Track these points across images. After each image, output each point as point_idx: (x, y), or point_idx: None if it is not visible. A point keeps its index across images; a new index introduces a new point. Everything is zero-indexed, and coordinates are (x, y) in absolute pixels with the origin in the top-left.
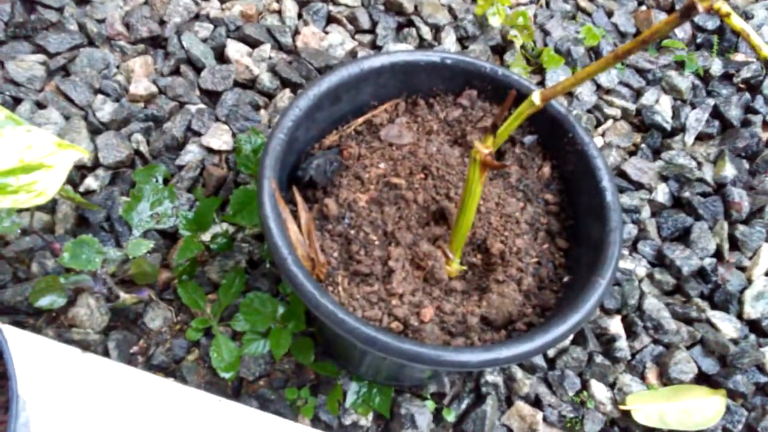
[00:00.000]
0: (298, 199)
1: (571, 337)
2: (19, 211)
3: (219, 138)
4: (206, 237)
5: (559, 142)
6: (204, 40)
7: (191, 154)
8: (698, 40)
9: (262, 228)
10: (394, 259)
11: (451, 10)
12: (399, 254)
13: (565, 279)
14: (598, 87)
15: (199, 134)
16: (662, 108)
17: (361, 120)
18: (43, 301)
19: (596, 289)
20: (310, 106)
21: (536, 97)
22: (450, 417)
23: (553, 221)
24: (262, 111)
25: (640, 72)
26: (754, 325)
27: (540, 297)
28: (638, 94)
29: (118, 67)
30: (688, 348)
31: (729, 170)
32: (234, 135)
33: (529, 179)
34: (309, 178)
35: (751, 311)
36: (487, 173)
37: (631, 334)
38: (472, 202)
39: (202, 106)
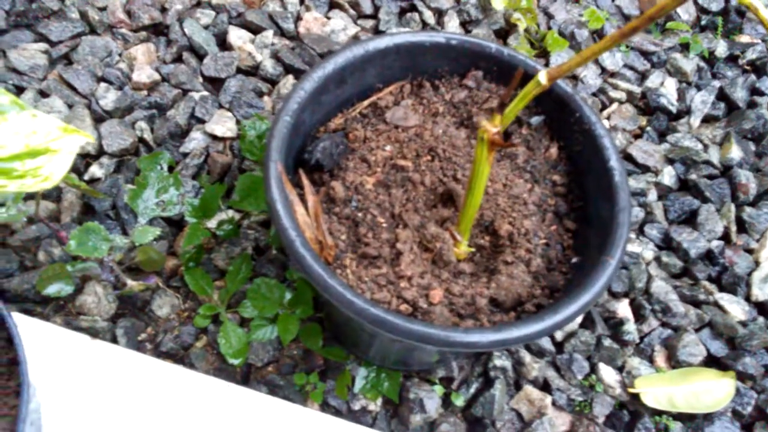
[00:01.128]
0: (305, 182)
1: (579, 320)
2: (25, 199)
3: (223, 125)
4: (212, 224)
5: (565, 122)
6: (206, 27)
7: (195, 141)
8: (702, 22)
9: (270, 211)
10: (402, 241)
11: None
12: (407, 236)
13: (574, 260)
14: (603, 70)
15: (202, 121)
16: (667, 90)
17: (366, 102)
18: (51, 289)
19: (606, 269)
20: (315, 88)
21: (543, 77)
22: (458, 401)
23: (561, 202)
24: (266, 97)
25: (645, 54)
26: (762, 308)
27: (549, 278)
28: (643, 76)
29: (120, 55)
30: (697, 331)
31: (735, 152)
32: (238, 122)
33: (537, 160)
34: (315, 161)
35: (759, 293)
36: (495, 153)
37: (639, 317)
38: (480, 183)
39: (205, 93)
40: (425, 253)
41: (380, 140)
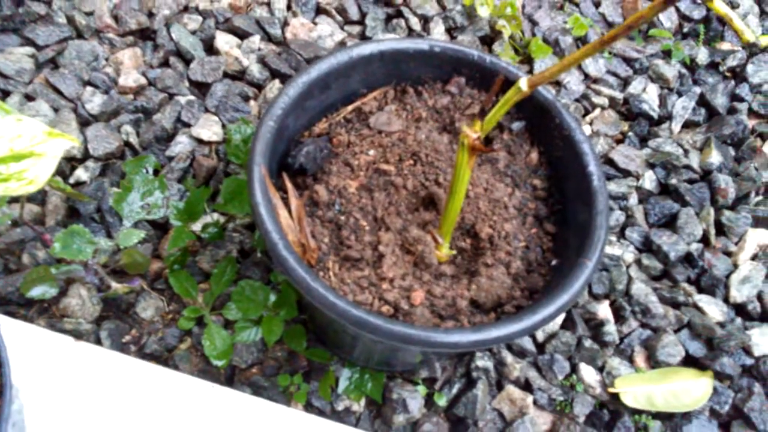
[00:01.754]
0: (289, 185)
1: (560, 321)
2: (10, 202)
3: (209, 129)
4: (197, 227)
5: (546, 128)
6: (193, 32)
7: (181, 145)
8: (684, 30)
9: (253, 214)
10: (384, 244)
11: (439, 0)
12: (389, 239)
13: (553, 263)
14: (586, 76)
15: (188, 125)
16: (649, 96)
17: (350, 108)
18: (35, 292)
19: (584, 271)
20: (299, 93)
21: (523, 83)
22: (441, 401)
23: (541, 206)
24: (252, 102)
25: (628, 61)
26: (740, 309)
27: (528, 280)
28: (625, 83)
29: (107, 59)
30: (676, 331)
31: (715, 157)
32: (224, 126)
33: (517, 165)
34: (299, 165)
35: (737, 295)
36: (476, 158)
37: (619, 318)
38: (461, 187)
39: (191, 97)
40: (407, 255)
41: (364, 145)
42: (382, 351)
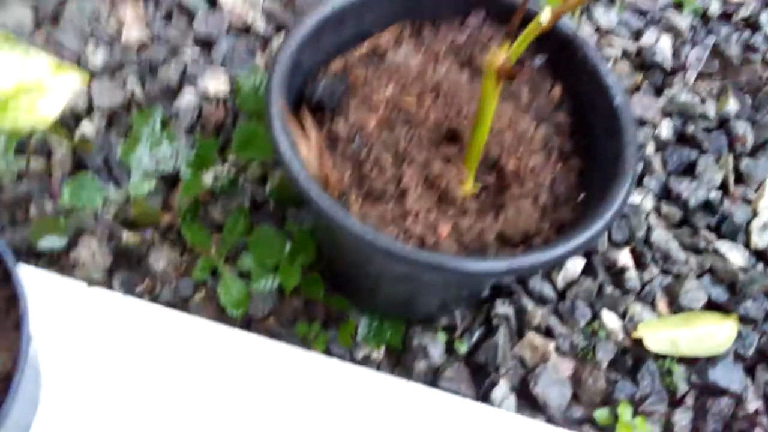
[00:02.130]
0: (307, 118)
1: (580, 268)
2: (16, 152)
3: (216, 81)
4: (208, 178)
5: (569, 62)
6: None
7: (188, 98)
8: None
9: (273, 150)
10: (408, 178)
11: None
12: (412, 173)
13: (580, 197)
14: (598, 29)
15: (194, 79)
16: (662, 47)
17: (366, 44)
18: (44, 243)
19: (613, 203)
20: (314, 29)
21: (546, 15)
22: (462, 348)
23: (566, 141)
24: (258, 56)
25: (640, 13)
26: (761, 255)
27: (556, 214)
28: (638, 34)
29: (109, 14)
30: (698, 277)
31: (732, 105)
32: (230, 79)
33: (540, 100)
34: (317, 99)
35: (758, 241)
36: (501, 87)
37: (640, 265)
38: (487, 117)
39: (196, 51)
40: (431, 190)
41: (382, 81)
42: (403, 295)
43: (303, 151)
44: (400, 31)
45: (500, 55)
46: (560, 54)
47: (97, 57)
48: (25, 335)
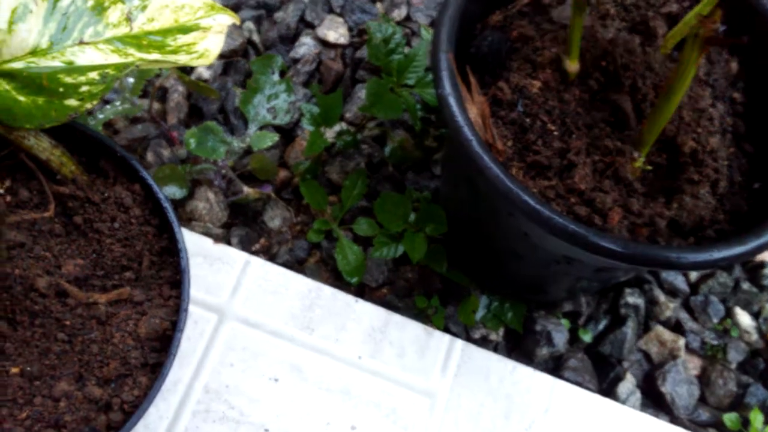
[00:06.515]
0: (472, 80)
1: None
2: (141, 96)
3: (335, 30)
4: (330, 135)
5: (753, 33)
6: None
7: (306, 46)
8: None
9: (442, 109)
10: (575, 152)
11: None
12: (580, 147)
13: (756, 185)
14: None
15: (312, 26)
16: None
17: None
18: (166, 191)
19: None
20: None
21: None
22: (587, 337)
23: (740, 123)
24: (378, 3)
25: None
26: None
27: (732, 202)
28: None
29: None
30: None
31: None
32: (350, 29)
33: (717, 74)
34: (482, 56)
35: None
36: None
37: None
38: (681, 90)
39: None
40: (599, 166)
41: (545, 40)
42: (535, 278)
43: (472, 113)
44: None
45: (712, 20)
46: (743, 24)
47: None
48: (186, 293)
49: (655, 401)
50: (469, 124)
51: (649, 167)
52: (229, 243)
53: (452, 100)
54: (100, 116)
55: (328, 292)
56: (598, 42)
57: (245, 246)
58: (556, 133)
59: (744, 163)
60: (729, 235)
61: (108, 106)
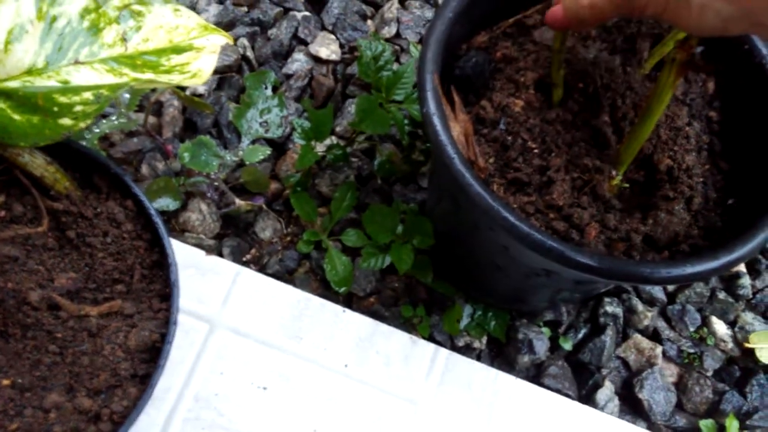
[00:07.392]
0: (456, 98)
1: None
2: (137, 110)
3: (327, 47)
4: (320, 148)
5: (729, 55)
6: None
7: (298, 63)
8: None
9: (427, 127)
10: (554, 169)
11: None
12: (559, 164)
13: (729, 202)
14: None
15: (305, 43)
16: None
17: (512, 20)
18: (159, 203)
19: None
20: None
21: None
22: (567, 345)
23: (716, 141)
24: (369, 21)
25: None
26: None
27: (707, 218)
28: None
29: None
30: None
31: None
32: (342, 45)
33: (694, 94)
34: (466, 76)
35: None
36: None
37: (753, 272)
38: (658, 111)
39: (307, 13)
40: (577, 183)
41: (528, 61)
42: (518, 289)
43: (455, 131)
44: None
45: (689, 44)
46: (719, 45)
47: (210, 12)
48: (175, 306)
49: (633, 408)
50: (452, 142)
51: (626, 184)
52: (220, 253)
53: (436, 120)
54: (96, 130)
55: (316, 302)
56: (579, 62)
57: (236, 256)
58: (536, 150)
59: (719, 180)
60: (702, 251)
61: (104, 120)
